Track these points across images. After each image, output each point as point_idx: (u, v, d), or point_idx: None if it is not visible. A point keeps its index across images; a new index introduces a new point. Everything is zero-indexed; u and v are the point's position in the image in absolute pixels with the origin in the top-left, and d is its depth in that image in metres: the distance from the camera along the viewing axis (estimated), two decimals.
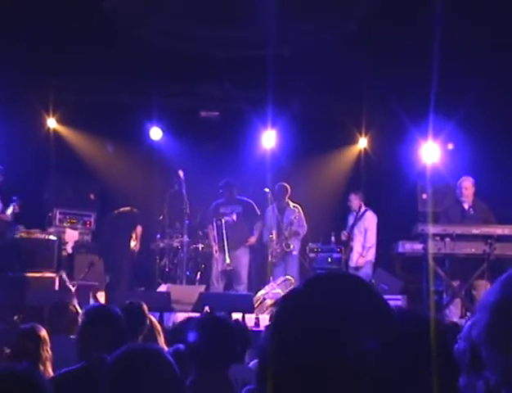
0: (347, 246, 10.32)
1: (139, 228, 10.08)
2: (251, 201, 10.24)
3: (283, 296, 1.31)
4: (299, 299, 1.25)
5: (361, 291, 1.25)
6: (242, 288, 9.94)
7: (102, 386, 2.11)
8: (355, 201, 10.30)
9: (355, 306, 1.21)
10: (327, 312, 1.19)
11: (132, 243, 10.16)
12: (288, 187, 10.39)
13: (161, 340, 5.25)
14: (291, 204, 10.43)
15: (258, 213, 10.30)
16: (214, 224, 10.09)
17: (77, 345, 3.77)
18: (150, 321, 5.27)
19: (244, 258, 10.11)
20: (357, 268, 10.04)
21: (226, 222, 10.07)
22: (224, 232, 9.97)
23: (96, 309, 4.00)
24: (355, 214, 10.30)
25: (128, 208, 10.20)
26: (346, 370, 1.15)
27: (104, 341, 3.72)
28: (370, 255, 10.19)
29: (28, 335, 4.11)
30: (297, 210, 10.36)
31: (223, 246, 9.96)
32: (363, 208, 10.23)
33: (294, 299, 1.26)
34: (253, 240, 10.23)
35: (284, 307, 1.26)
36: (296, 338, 1.18)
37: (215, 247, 10.09)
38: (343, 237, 10.34)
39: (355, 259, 10.20)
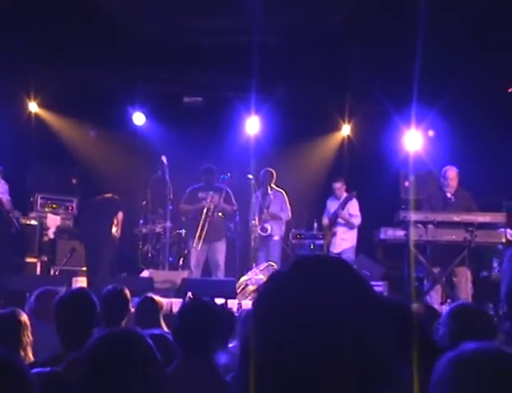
0: (328, 232, 10.31)
1: (120, 214, 10.03)
2: (229, 190, 10.21)
3: (266, 279, 1.30)
4: (282, 281, 1.24)
5: (345, 273, 1.24)
6: (220, 272, 9.94)
7: (80, 371, 2.10)
8: (342, 187, 10.32)
9: (338, 288, 1.20)
10: (310, 294, 1.18)
11: (114, 229, 10.13)
12: (273, 172, 10.38)
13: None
14: (272, 188, 10.40)
15: (235, 202, 10.25)
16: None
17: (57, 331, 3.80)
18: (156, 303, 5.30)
19: (221, 245, 10.09)
20: (340, 254, 10.06)
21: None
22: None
23: (70, 295, 4.01)
24: (337, 200, 10.28)
25: (109, 194, 10.15)
26: (329, 353, 1.15)
27: (79, 325, 3.74)
28: (353, 239, 10.22)
29: (8, 320, 4.06)
30: (277, 193, 10.34)
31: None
32: (345, 194, 10.25)
33: (277, 281, 1.25)
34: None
35: (266, 289, 1.25)
36: (278, 321, 1.18)
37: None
38: (325, 222, 10.33)
39: (338, 244, 10.21)
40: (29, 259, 10.74)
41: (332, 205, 10.36)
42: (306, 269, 1.24)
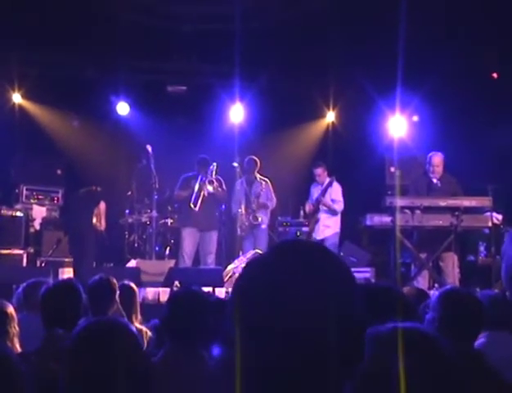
0: (312, 218, 10.27)
1: (102, 205, 9.98)
2: (221, 179, 10.18)
3: (246, 264, 1.30)
4: (261, 266, 1.24)
5: (324, 258, 1.25)
6: (211, 259, 9.92)
7: (64, 360, 2.09)
8: (323, 173, 10.26)
9: (318, 274, 1.20)
10: (287, 278, 1.19)
11: (94, 219, 10.09)
12: (257, 160, 10.35)
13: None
14: (259, 177, 10.40)
15: (225, 191, 10.23)
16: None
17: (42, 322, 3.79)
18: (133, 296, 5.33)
19: (214, 235, 10.08)
20: (323, 240, 10.05)
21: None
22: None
23: (56, 286, 3.99)
24: (321, 185, 10.24)
25: (92, 187, 10.12)
26: (309, 336, 1.16)
27: (63, 315, 3.74)
28: (336, 226, 10.20)
29: None
30: (264, 183, 10.34)
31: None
32: (328, 179, 10.18)
33: (256, 266, 1.26)
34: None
35: (245, 274, 1.26)
36: (257, 305, 1.18)
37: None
38: (309, 209, 10.29)
39: (321, 230, 10.20)
40: (14, 251, 10.68)
41: (316, 191, 10.30)
42: (283, 254, 1.24)
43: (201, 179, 9.86)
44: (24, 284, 5.09)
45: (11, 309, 4.07)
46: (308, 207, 10.30)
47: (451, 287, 3.64)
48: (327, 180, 10.13)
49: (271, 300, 1.17)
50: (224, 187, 10.15)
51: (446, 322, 3.14)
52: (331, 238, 10.08)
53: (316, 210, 10.17)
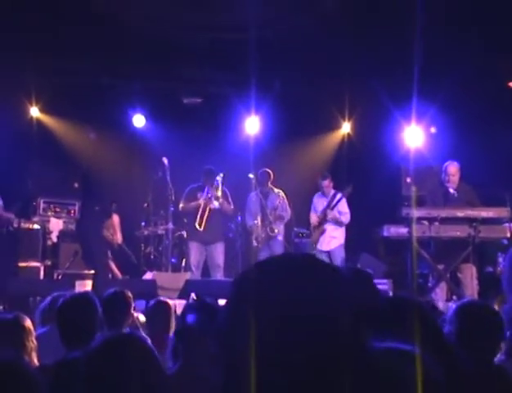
0: (316, 230, 10.18)
1: (115, 218, 10.01)
2: (227, 191, 10.19)
3: (241, 273, 1.31)
4: (253, 277, 1.25)
5: (317, 270, 1.24)
6: (219, 273, 9.92)
7: (81, 374, 2.09)
8: (329, 185, 10.21)
9: (309, 287, 1.20)
10: (280, 292, 1.19)
11: (105, 231, 10.11)
12: (271, 172, 10.36)
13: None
14: (275, 189, 10.39)
15: (232, 204, 10.23)
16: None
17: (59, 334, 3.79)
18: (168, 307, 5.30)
19: (220, 247, 10.07)
20: (329, 252, 9.99)
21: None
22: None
23: (72, 298, 3.99)
24: (325, 197, 10.19)
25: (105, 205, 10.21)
26: (303, 344, 1.15)
27: (80, 328, 3.73)
28: (342, 237, 10.12)
29: (11, 325, 4.01)
30: (280, 195, 10.32)
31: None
32: (333, 191, 10.14)
33: (247, 277, 1.27)
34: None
35: (237, 284, 1.27)
36: (253, 313, 1.18)
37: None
38: (314, 220, 10.22)
39: (327, 242, 10.10)
40: (32, 264, 10.73)
41: (319, 202, 10.24)
42: (276, 268, 1.25)
43: (207, 193, 9.87)
44: (49, 297, 5.09)
45: (28, 323, 4.04)
46: (313, 218, 10.22)
47: (468, 300, 3.61)
48: (332, 192, 10.08)
49: (267, 308, 1.18)
50: (230, 199, 10.15)
51: (463, 336, 3.10)
52: (338, 250, 10.02)
53: (321, 222, 10.09)
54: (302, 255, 1.31)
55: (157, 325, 5.02)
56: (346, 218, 10.08)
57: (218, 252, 9.99)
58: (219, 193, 9.88)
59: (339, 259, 9.80)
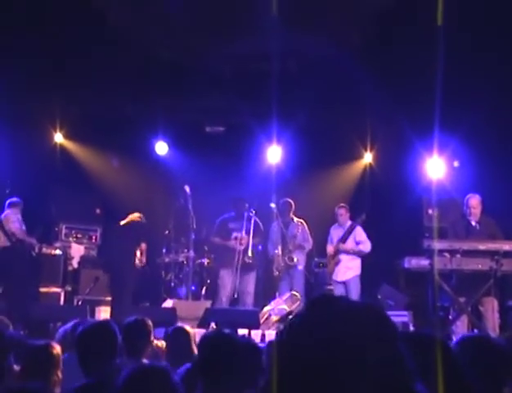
0: (332, 260, 10.13)
1: (143, 244, 10.04)
2: (259, 222, 10.21)
3: (289, 321, 1.31)
4: (303, 320, 1.25)
5: (366, 314, 1.25)
6: (249, 299, 9.90)
7: None
8: (346, 214, 10.18)
9: (358, 330, 1.20)
10: (330, 335, 1.19)
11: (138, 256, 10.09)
12: (292, 202, 10.36)
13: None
14: (295, 219, 10.39)
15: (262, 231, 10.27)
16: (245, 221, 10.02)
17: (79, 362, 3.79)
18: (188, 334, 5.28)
19: (253, 276, 10.09)
20: (345, 283, 9.92)
21: (235, 237, 10.02)
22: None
23: (92, 326, 4.00)
24: (341, 227, 10.17)
25: (136, 216, 10.14)
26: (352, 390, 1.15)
27: (98, 356, 3.74)
28: (358, 268, 10.03)
29: (41, 353, 3.99)
30: (300, 224, 10.31)
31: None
32: (350, 222, 10.10)
33: (298, 320, 1.27)
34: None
35: (288, 328, 1.26)
36: (296, 360, 1.19)
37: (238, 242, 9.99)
38: (330, 251, 10.18)
39: (342, 272, 10.01)
40: (52, 289, 10.78)
41: (335, 233, 10.19)
42: (325, 310, 1.25)
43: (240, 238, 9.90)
44: (71, 323, 5.11)
45: (57, 351, 4.01)
46: (329, 249, 10.17)
47: (468, 334, 3.59)
48: (348, 223, 10.05)
49: (317, 353, 1.18)
50: (262, 227, 10.18)
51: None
52: (353, 281, 9.91)
53: (337, 252, 10.04)
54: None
55: (178, 352, 4.98)
56: (365, 246, 9.99)
57: (250, 282, 10.01)
58: (250, 253, 9.90)
59: (354, 290, 9.73)
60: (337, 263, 10.01)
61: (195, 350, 5.17)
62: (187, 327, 5.41)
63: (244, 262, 9.82)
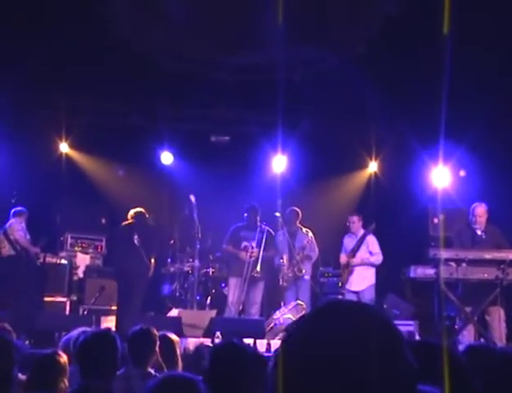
0: (346, 269, 10.11)
1: (154, 255, 10.03)
2: (271, 230, 10.17)
3: (292, 324, 1.31)
4: (306, 326, 1.25)
5: (372, 320, 1.24)
6: (255, 309, 9.87)
7: None
8: (358, 223, 10.15)
9: (364, 336, 1.20)
10: (334, 341, 1.19)
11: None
12: (299, 211, 10.33)
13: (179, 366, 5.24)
14: (303, 228, 10.36)
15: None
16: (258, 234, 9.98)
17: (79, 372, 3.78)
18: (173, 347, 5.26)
19: (261, 285, 10.05)
20: (358, 293, 9.89)
21: (245, 247, 9.99)
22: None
23: (93, 336, 3.98)
24: (355, 236, 10.15)
25: (137, 212, 10.09)
26: None
27: (100, 366, 3.73)
28: (372, 278, 10.01)
29: (48, 361, 3.98)
30: (309, 235, 10.27)
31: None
32: (363, 231, 10.08)
33: (301, 326, 1.26)
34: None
35: (290, 334, 1.26)
36: (301, 366, 1.18)
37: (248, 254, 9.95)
38: (344, 261, 10.16)
39: (356, 282, 10.01)
40: (58, 298, 10.79)
41: (348, 242, 10.17)
42: (329, 315, 1.25)
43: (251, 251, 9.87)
44: (76, 333, 5.10)
45: (64, 360, 4.01)
46: (343, 258, 10.15)
47: (474, 343, 3.59)
48: (361, 232, 10.02)
49: (316, 361, 1.17)
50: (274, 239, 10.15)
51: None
52: (367, 291, 9.87)
53: (350, 262, 10.01)
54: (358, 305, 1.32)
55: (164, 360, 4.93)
56: (376, 259, 9.94)
57: (258, 290, 9.95)
58: (258, 268, 9.86)
59: (367, 300, 9.69)
60: (351, 272, 9.99)
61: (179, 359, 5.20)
62: (172, 336, 5.40)
63: (251, 275, 9.79)
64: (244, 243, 9.98)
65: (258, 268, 9.81)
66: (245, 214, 10.11)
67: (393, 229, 10.37)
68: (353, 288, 9.92)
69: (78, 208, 12.16)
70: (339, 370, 1.16)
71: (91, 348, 3.83)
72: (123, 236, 10.00)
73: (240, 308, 9.93)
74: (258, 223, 10.02)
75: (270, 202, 10.51)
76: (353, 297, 9.75)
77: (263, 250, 9.93)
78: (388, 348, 1.20)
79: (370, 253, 9.94)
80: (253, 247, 9.90)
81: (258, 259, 9.86)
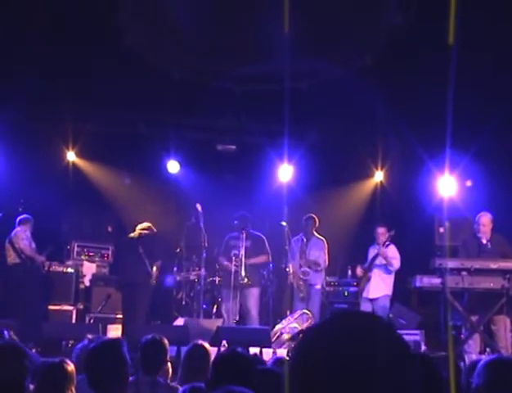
0: (364, 277, 10.10)
1: (159, 261, 10.04)
2: (262, 236, 10.16)
3: (302, 333, 1.33)
4: (317, 335, 1.26)
5: (381, 331, 1.25)
6: (251, 318, 9.85)
7: None
8: (385, 233, 10.11)
9: (373, 346, 1.21)
10: (344, 350, 1.20)
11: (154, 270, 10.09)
12: (315, 218, 10.33)
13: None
14: (319, 236, 10.34)
15: (268, 248, 10.18)
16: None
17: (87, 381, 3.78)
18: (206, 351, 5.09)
19: (254, 292, 10.03)
20: (372, 300, 9.89)
21: (234, 255, 9.97)
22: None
23: (100, 346, 3.98)
24: (378, 246, 10.13)
25: (145, 227, 10.11)
26: None
27: (108, 375, 3.73)
28: (389, 287, 10.03)
29: (56, 370, 3.99)
30: (324, 243, 10.27)
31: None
32: (387, 241, 10.08)
33: (312, 335, 1.27)
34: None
35: (300, 344, 1.27)
36: (312, 373, 1.20)
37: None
38: (359, 273, 10.17)
39: (372, 289, 10.01)
40: (64, 307, 10.82)
41: (371, 252, 10.19)
42: (340, 325, 1.26)
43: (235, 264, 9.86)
44: (86, 342, 5.12)
45: (71, 368, 4.00)
46: (359, 271, 10.17)
47: (497, 355, 3.61)
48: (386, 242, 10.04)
49: (328, 371, 1.19)
50: (266, 248, 10.09)
51: (491, 389, 3.10)
52: (382, 300, 9.88)
53: (368, 269, 10.01)
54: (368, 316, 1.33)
55: (194, 372, 4.76)
56: (396, 262, 9.96)
57: (251, 297, 9.89)
58: (243, 273, 9.83)
59: (380, 308, 9.67)
60: (368, 280, 10.02)
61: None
62: (206, 345, 5.25)
63: (238, 283, 9.77)
64: (234, 252, 9.98)
65: (243, 274, 9.77)
66: (235, 222, 10.12)
67: (399, 238, 10.36)
68: (370, 296, 9.95)
69: (85, 216, 12.21)
70: (346, 383, 1.17)
71: (98, 358, 3.82)
72: (127, 247, 10.03)
73: (237, 318, 9.90)
74: (243, 231, 10.00)
75: (276, 211, 10.53)
76: (369, 305, 9.75)
77: (250, 256, 9.91)
78: (395, 360, 1.22)
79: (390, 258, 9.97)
80: (237, 255, 9.89)
81: (241, 266, 9.83)
